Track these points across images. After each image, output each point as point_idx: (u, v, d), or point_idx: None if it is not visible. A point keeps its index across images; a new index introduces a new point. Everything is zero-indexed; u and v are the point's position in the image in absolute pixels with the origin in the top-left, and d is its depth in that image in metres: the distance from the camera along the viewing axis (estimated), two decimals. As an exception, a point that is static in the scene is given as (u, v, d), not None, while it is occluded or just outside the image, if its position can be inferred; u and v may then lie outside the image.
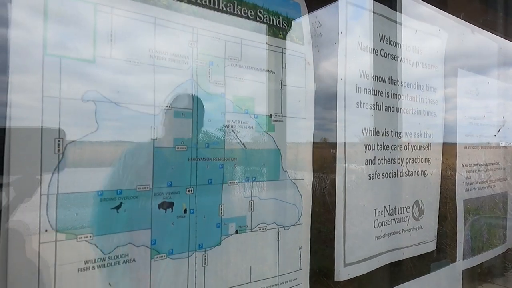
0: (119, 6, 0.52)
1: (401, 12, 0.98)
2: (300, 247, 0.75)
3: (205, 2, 0.61)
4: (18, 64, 0.45)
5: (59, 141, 0.47)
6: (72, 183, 0.48)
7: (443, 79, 1.12)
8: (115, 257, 0.51)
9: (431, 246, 1.08)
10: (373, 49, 0.90)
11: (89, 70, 0.50)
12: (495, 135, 1.39)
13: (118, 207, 0.52)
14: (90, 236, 0.50)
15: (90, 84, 0.50)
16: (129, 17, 0.53)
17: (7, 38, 0.44)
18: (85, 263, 0.49)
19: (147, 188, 0.55)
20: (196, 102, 0.60)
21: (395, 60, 0.96)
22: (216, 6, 0.62)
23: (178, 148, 0.58)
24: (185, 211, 0.59)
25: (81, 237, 0.49)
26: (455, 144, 1.20)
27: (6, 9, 0.44)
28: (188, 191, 0.59)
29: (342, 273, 0.82)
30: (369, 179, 0.89)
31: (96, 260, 0.50)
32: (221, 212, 0.63)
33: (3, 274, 0.43)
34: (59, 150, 0.47)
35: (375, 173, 0.91)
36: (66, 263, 0.47)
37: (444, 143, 1.14)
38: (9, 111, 0.44)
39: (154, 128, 0.55)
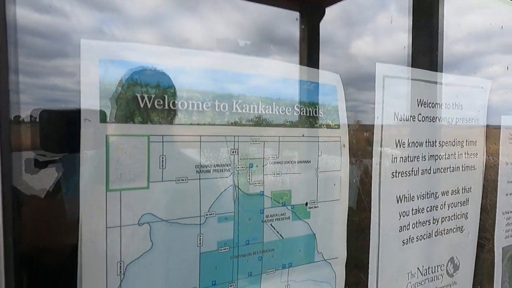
0: (169, 132, 0.57)
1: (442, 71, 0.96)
2: (333, 321, 0.79)
3: (246, 109, 0.65)
4: (85, 201, 0.52)
5: (120, 264, 0.54)
6: (132, 297, 0.55)
7: (484, 129, 1.09)
8: None
9: (466, 300, 1.08)
10: (410, 116, 0.89)
11: (144, 196, 0.56)
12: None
13: (169, 311, 0.59)
14: None
15: (145, 208, 0.56)
16: (178, 141, 0.58)
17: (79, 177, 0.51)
18: None
19: (194, 290, 0.61)
20: (238, 205, 0.65)
21: (436, 121, 0.95)
22: (256, 111, 0.66)
23: (222, 250, 0.63)
24: (227, 304, 0.65)
25: None
26: (496, 193, 1.17)
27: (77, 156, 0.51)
28: (230, 286, 0.65)
29: None
30: (403, 245, 0.91)
31: None
32: (260, 300, 0.69)
33: None
34: (120, 271, 0.54)
35: (409, 238, 0.92)
36: None
37: (483, 192, 1.12)
38: (80, 242, 0.51)
39: (200, 236, 0.61)
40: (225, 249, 0.64)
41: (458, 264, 1.05)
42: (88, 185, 0.51)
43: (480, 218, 1.11)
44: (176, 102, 0.58)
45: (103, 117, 0.52)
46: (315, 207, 0.74)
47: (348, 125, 0.78)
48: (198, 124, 0.60)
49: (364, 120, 0.88)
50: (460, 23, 1.08)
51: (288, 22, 0.81)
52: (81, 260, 0.51)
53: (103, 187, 0.52)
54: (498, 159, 1.17)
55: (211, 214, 0.62)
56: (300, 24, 0.80)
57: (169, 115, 0.57)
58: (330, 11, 0.86)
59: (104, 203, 0.53)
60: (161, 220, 0.57)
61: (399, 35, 0.98)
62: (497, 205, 1.17)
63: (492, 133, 1.14)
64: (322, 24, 0.84)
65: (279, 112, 0.68)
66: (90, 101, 0.51)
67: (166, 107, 0.57)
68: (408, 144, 0.90)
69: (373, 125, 0.84)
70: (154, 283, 0.57)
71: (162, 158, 0.57)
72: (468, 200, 1.06)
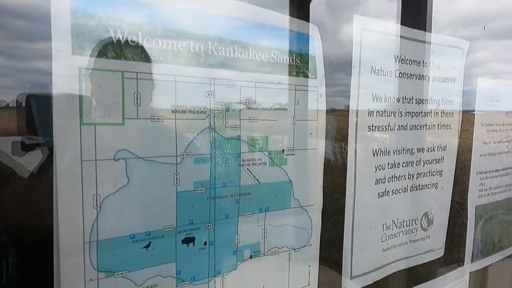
0: (143, 69, 0.58)
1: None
2: (309, 265, 0.82)
3: (221, 52, 0.65)
4: (59, 133, 0.52)
5: (96, 197, 0.55)
6: (109, 230, 0.57)
7: (461, 88, 1.12)
8: (146, 288, 0.61)
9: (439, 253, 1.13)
10: (388, 71, 0.91)
11: (119, 132, 0.56)
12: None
13: (147, 246, 0.61)
14: (125, 273, 0.58)
15: (120, 144, 0.57)
16: (153, 79, 0.59)
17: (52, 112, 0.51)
18: (122, 295, 0.58)
19: (172, 227, 0.63)
20: (214, 147, 0.66)
21: (413, 78, 0.97)
22: (232, 55, 0.66)
23: (198, 190, 0.65)
24: (205, 243, 0.67)
25: (118, 274, 0.58)
26: (471, 152, 1.21)
27: (50, 82, 0.51)
28: (207, 226, 0.67)
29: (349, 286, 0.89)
30: (378, 197, 0.94)
31: (130, 292, 0.59)
32: (237, 241, 0.71)
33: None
34: (97, 204, 0.55)
35: (385, 191, 0.95)
36: (107, 296, 0.57)
37: (458, 152, 1.15)
38: (55, 176, 0.52)
39: (176, 175, 0.62)
40: (202, 189, 0.65)
41: (432, 219, 1.09)
42: (62, 118, 0.52)
43: (455, 176, 1.15)
44: (150, 39, 0.58)
45: (75, 49, 0.52)
46: (291, 154, 0.76)
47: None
48: (173, 64, 0.60)
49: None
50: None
51: (278, 2, 0.80)
52: (56, 192, 0.52)
53: (77, 120, 0.53)
54: (474, 121, 1.21)
55: (187, 154, 0.63)
56: (290, 5, 0.79)
57: (143, 52, 0.57)
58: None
59: (78, 136, 0.53)
60: (137, 157, 0.58)
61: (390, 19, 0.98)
62: (471, 165, 1.21)
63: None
64: (312, 5, 0.83)
65: (255, 57, 0.69)
66: (61, 32, 0.51)
67: (140, 43, 0.57)
68: (385, 99, 0.92)
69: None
70: (131, 218, 0.59)
71: (137, 95, 0.57)
72: (443, 158, 1.09)
